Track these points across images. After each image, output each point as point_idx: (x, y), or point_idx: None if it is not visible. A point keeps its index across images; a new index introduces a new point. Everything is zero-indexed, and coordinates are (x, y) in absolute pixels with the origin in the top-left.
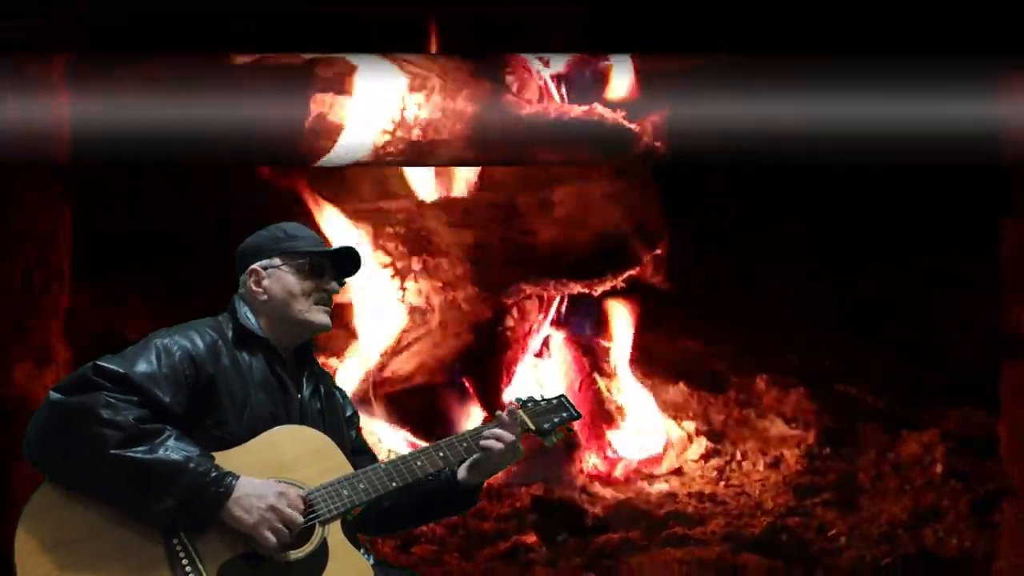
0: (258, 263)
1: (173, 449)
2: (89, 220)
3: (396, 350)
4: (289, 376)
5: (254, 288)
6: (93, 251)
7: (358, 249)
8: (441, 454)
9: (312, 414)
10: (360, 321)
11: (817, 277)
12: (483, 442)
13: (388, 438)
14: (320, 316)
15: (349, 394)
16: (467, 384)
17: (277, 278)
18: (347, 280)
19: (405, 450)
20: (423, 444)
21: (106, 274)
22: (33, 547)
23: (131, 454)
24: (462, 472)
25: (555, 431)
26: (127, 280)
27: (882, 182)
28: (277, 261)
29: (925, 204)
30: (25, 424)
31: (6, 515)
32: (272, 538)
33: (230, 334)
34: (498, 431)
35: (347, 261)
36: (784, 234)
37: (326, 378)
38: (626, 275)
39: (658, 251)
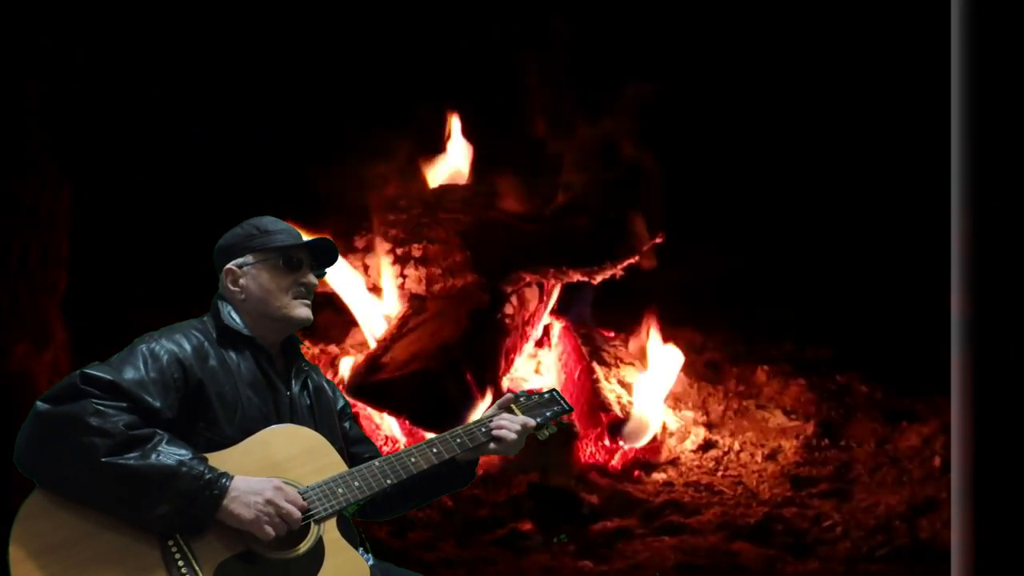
0: (233, 262)
1: (165, 454)
2: (88, 200)
3: (395, 336)
4: (277, 373)
5: (232, 288)
6: (92, 231)
7: (333, 240)
8: (435, 450)
9: (302, 410)
10: (359, 308)
11: (816, 268)
12: (495, 432)
13: (386, 424)
14: (300, 310)
15: (347, 380)
16: (465, 371)
17: (253, 276)
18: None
19: (401, 436)
20: (419, 429)
21: (105, 255)
22: (27, 552)
23: (122, 461)
24: None
25: (548, 425)
26: (126, 261)
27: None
28: (251, 259)
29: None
30: (22, 403)
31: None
32: (271, 532)
33: (215, 335)
34: (507, 423)
35: (324, 252)
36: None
37: (314, 372)
38: (625, 263)
39: (658, 240)
